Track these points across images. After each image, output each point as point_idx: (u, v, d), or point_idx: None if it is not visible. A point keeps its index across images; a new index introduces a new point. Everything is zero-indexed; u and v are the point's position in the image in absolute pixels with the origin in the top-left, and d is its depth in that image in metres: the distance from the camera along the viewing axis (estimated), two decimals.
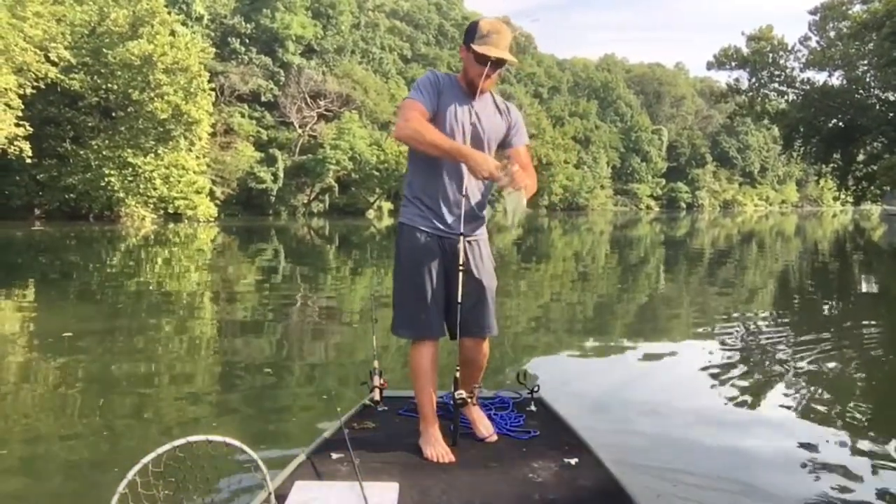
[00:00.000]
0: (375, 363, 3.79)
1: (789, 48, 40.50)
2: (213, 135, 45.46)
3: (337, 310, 10.25)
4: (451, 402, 3.20)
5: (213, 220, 39.48)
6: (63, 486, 3.67)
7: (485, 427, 3.30)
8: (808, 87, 40.32)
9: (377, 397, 3.67)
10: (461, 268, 3.08)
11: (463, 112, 3.09)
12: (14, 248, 21.49)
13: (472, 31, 3.05)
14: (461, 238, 3.11)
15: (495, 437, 3.27)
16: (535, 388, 3.81)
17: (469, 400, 3.24)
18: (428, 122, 2.98)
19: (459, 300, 3.09)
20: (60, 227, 31.11)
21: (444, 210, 3.13)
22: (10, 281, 12.78)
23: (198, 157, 39.20)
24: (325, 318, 9.48)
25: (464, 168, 3.02)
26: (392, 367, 5.73)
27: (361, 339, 7.60)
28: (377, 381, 3.70)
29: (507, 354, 7.06)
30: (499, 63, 3.03)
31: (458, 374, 3.21)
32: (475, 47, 3.00)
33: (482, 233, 3.28)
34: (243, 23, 54.45)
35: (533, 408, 3.69)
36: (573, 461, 2.99)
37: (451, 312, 3.14)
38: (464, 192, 3.12)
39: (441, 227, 3.13)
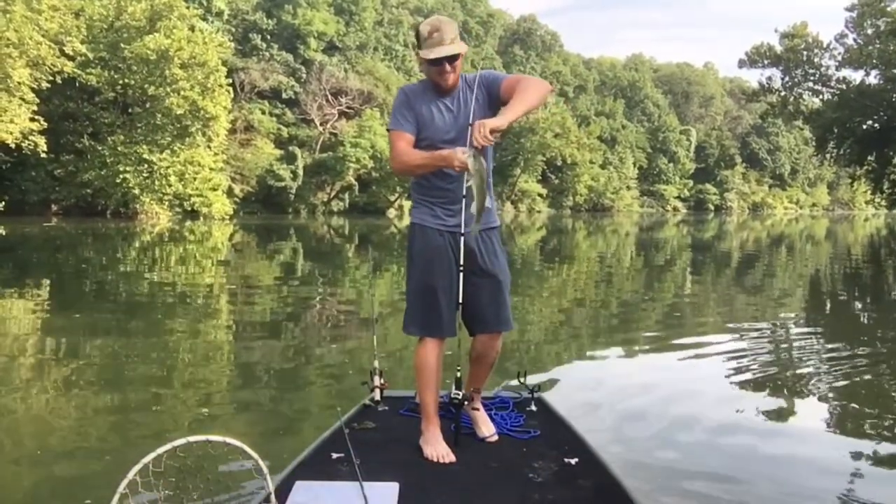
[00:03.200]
0: (376, 363, 3.80)
1: (825, 46, 39.21)
2: (234, 132, 45.16)
3: (339, 310, 10.23)
4: (451, 401, 3.19)
5: (228, 217, 39.12)
6: (66, 484, 3.71)
7: (486, 427, 3.28)
8: (843, 86, 38.96)
9: (377, 397, 3.69)
10: (461, 266, 3.09)
11: (441, 114, 3.10)
12: (29, 245, 21.28)
13: (417, 38, 3.06)
14: (473, 235, 3.10)
15: (496, 437, 3.25)
16: (536, 388, 3.79)
17: (472, 398, 3.28)
18: (414, 139, 3.06)
19: (470, 298, 3.10)
20: (77, 223, 31.21)
21: (454, 208, 3.11)
22: (24, 278, 12.78)
23: (216, 154, 38.74)
24: (327, 319, 9.47)
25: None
26: (392, 367, 5.67)
27: (362, 340, 7.57)
28: (377, 381, 3.72)
29: (526, 356, 6.99)
30: (451, 59, 3.00)
31: (458, 374, 3.19)
32: (423, 53, 3.01)
33: (493, 221, 3.25)
34: (265, 18, 54.08)
35: (533, 408, 3.66)
36: (573, 461, 2.98)
37: (466, 309, 3.13)
38: (465, 190, 3.06)
39: (452, 224, 3.11)
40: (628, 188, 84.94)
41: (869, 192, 53.05)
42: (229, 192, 42.77)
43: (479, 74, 3.19)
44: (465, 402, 3.22)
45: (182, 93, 34.21)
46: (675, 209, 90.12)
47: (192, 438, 2.25)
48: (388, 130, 3.15)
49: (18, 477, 3.86)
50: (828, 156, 44.44)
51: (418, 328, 3.16)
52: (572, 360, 7.15)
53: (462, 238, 3.09)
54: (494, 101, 3.12)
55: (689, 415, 5.07)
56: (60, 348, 7.09)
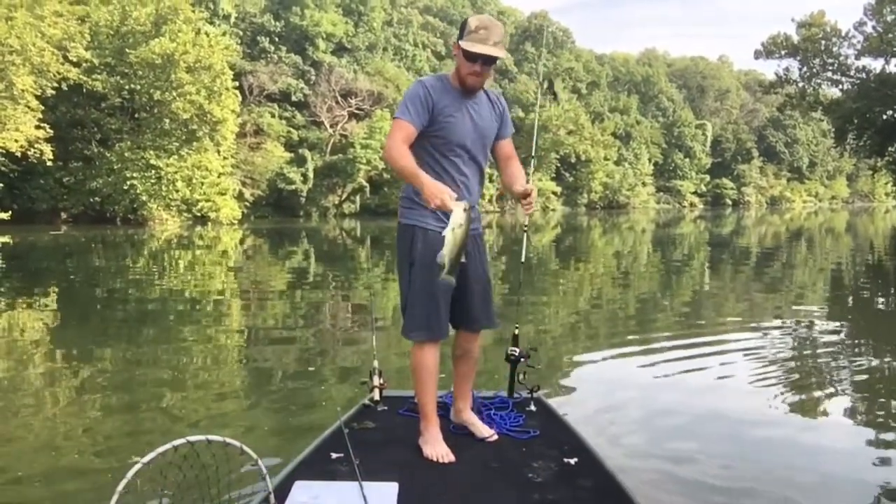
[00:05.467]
0: (375, 363, 3.82)
1: (843, 34, 38.26)
2: (243, 135, 44.79)
3: (342, 311, 10.30)
4: (452, 401, 3.37)
5: (236, 221, 38.78)
6: (68, 483, 3.76)
7: (485, 428, 3.34)
8: (863, 75, 38.00)
9: (377, 397, 3.71)
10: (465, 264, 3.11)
11: (461, 114, 3.10)
12: (36, 254, 21.07)
13: (462, 28, 3.04)
14: (472, 236, 3.12)
15: (496, 437, 3.28)
16: (535, 388, 3.79)
17: (461, 409, 3.38)
18: (416, 133, 3.03)
19: (463, 297, 3.20)
20: (85, 230, 31.05)
21: None
22: (32, 287, 12.84)
23: (224, 158, 38.34)
24: (330, 320, 9.51)
25: (464, 166, 3.16)
26: (391, 367, 5.70)
27: (361, 339, 7.63)
28: (377, 380, 3.75)
29: (533, 357, 6.73)
30: (489, 60, 3.01)
31: (516, 331, 3.45)
32: (464, 44, 2.98)
33: (479, 228, 3.35)
34: (272, 21, 53.66)
35: (533, 408, 3.67)
36: (573, 461, 2.99)
37: (457, 308, 3.20)
38: (468, 190, 3.17)
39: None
40: (644, 184, 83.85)
41: (890, 183, 52.02)
42: (239, 197, 42.43)
43: (502, 99, 3.36)
44: (460, 410, 3.38)
45: (188, 97, 33.81)
46: (692, 205, 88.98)
47: (191, 438, 2.25)
48: (394, 118, 3.11)
49: (22, 476, 3.91)
50: (847, 147, 43.43)
51: (424, 332, 3.15)
52: (580, 359, 7.07)
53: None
54: (498, 135, 3.31)
55: (695, 417, 5.00)
56: (68, 353, 7.21)
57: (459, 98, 3.11)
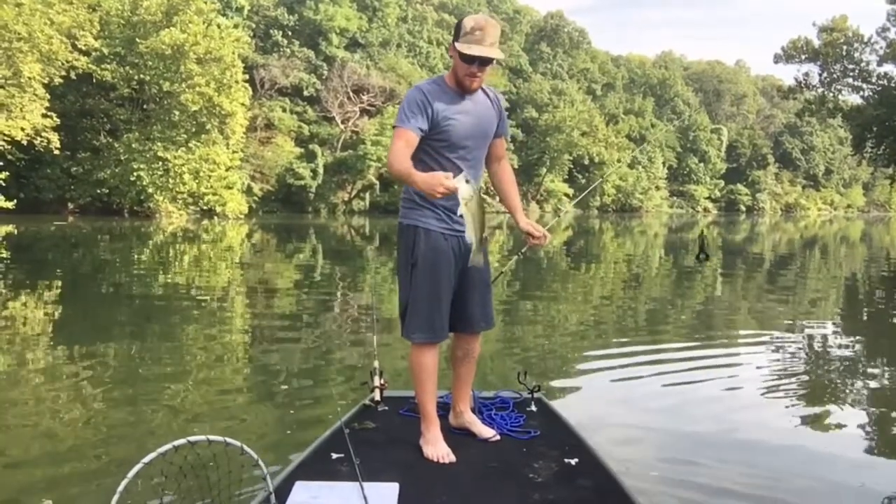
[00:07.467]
0: (376, 363, 3.81)
1: (865, 40, 37.58)
2: (254, 129, 44.48)
3: (343, 311, 10.20)
4: (452, 402, 3.38)
5: (243, 216, 38.50)
6: (69, 482, 3.70)
7: (485, 428, 3.34)
8: (885, 81, 37.30)
9: (377, 397, 3.70)
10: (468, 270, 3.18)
11: (461, 114, 3.08)
12: (38, 245, 20.78)
13: (458, 29, 3.00)
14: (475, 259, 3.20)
15: (497, 438, 3.28)
16: (536, 388, 3.81)
17: (461, 411, 3.38)
18: (418, 139, 2.99)
19: (463, 297, 3.21)
20: (92, 221, 30.89)
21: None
22: (37, 278, 12.69)
23: (233, 152, 37.98)
24: (331, 320, 9.39)
25: (467, 165, 3.06)
26: (393, 367, 5.68)
27: (363, 339, 7.56)
28: (377, 381, 3.74)
29: (536, 357, 7.00)
30: (486, 61, 2.99)
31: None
32: (459, 46, 2.96)
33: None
34: (286, 14, 53.41)
35: (533, 408, 3.68)
36: (573, 461, 3.00)
37: (456, 310, 3.19)
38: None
39: (459, 228, 3.06)
40: (657, 188, 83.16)
41: None
42: (248, 191, 42.13)
43: (500, 97, 3.32)
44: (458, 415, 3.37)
45: (197, 89, 33.43)
46: (706, 210, 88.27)
47: (192, 438, 2.26)
48: (393, 127, 3.08)
49: (22, 475, 3.87)
50: (865, 155, 42.78)
51: (426, 334, 3.12)
52: (585, 361, 7.00)
53: (464, 240, 3.08)
54: (494, 132, 3.28)
55: (699, 423, 4.98)
56: (70, 347, 7.14)
57: (458, 98, 3.08)
